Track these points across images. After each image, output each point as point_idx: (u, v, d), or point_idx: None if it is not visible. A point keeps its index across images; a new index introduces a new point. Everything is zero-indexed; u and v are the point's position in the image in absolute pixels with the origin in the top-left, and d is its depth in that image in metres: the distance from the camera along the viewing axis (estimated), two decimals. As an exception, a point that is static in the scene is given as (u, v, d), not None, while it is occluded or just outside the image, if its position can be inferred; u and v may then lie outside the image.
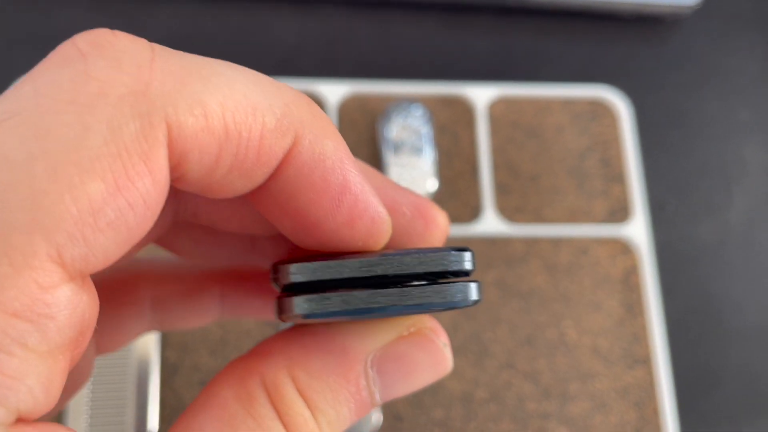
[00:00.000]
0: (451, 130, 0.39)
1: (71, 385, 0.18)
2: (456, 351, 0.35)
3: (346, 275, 0.14)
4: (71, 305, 0.11)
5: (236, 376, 0.14)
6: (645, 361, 0.35)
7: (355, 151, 0.38)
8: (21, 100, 0.11)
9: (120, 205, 0.11)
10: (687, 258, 0.38)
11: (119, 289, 0.19)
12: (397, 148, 0.37)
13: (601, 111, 0.40)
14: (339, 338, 0.15)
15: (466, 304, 0.14)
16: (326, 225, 0.14)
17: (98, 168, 0.10)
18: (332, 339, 0.15)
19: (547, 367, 0.35)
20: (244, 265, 0.21)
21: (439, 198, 0.37)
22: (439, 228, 0.16)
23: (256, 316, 0.21)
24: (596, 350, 0.36)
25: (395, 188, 0.16)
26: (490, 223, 0.37)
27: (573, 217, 0.38)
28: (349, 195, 0.13)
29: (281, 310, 0.14)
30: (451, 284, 0.14)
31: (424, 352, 0.15)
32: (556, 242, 0.37)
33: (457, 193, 0.38)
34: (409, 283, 0.14)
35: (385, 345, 0.15)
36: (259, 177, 0.13)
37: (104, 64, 0.11)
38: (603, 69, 0.42)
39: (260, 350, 0.15)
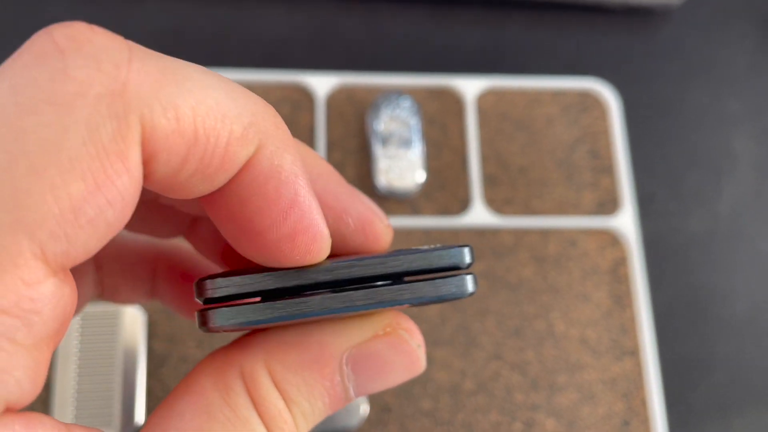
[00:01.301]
0: (440, 121, 0.39)
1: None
2: (444, 342, 0.35)
3: (246, 290, 0.15)
4: (55, 299, 0.11)
5: (216, 366, 0.15)
6: (633, 352, 0.35)
7: (344, 144, 0.38)
8: None
9: (100, 202, 0.11)
10: (675, 249, 0.38)
11: None
12: (386, 139, 0.37)
13: (590, 103, 0.40)
14: (317, 334, 0.15)
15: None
16: (269, 235, 0.14)
17: (78, 168, 0.11)
18: (310, 335, 0.15)
19: (535, 358, 0.35)
20: (179, 250, 0.21)
21: (427, 190, 0.37)
22: (379, 243, 0.17)
23: (177, 309, 0.22)
24: (584, 341, 0.36)
25: (350, 195, 0.17)
26: (479, 214, 0.37)
27: (562, 209, 0.38)
28: (296, 209, 0.14)
29: (201, 322, 0.15)
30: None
31: (397, 352, 0.16)
32: (545, 234, 0.37)
33: (445, 185, 0.38)
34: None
35: (361, 343, 0.15)
36: (219, 181, 0.13)
37: (82, 62, 0.11)
38: (593, 61, 0.42)
39: (241, 342, 0.15)
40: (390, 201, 0.37)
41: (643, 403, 0.35)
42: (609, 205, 0.38)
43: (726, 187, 0.40)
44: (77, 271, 0.19)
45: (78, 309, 0.20)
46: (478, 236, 0.37)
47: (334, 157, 0.38)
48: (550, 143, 0.39)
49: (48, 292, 0.11)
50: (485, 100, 0.40)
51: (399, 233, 0.36)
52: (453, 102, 0.39)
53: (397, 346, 0.16)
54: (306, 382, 0.15)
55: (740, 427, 0.35)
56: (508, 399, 0.34)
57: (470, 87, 0.39)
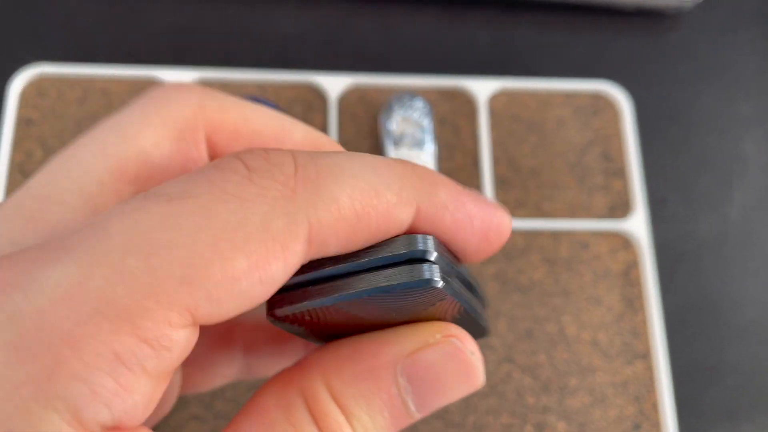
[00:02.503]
0: (452, 123, 0.39)
1: (157, 413, 0.19)
2: (455, 344, 0.35)
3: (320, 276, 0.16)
4: (186, 343, 0.13)
5: (278, 386, 0.15)
6: (644, 356, 0.35)
7: (356, 144, 0.38)
8: (197, 185, 0.13)
9: (254, 279, 0.13)
10: (687, 253, 0.38)
11: (217, 334, 0.21)
12: (398, 140, 0.37)
13: (602, 105, 0.40)
14: (369, 347, 0.16)
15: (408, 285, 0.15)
16: (469, 248, 0.16)
17: (247, 249, 0.13)
18: (363, 348, 0.16)
19: (547, 361, 0.35)
20: None
21: (439, 191, 0.37)
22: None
23: None
24: (596, 345, 0.35)
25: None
26: (491, 216, 0.37)
27: (573, 212, 0.38)
28: (476, 220, 0.16)
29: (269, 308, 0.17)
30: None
31: (451, 361, 0.16)
32: (557, 236, 0.37)
33: (457, 187, 0.38)
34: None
35: (413, 353, 0.16)
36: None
37: (263, 174, 0.14)
38: (604, 63, 0.42)
39: (301, 363, 0.16)
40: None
41: (654, 407, 0.35)
42: (621, 208, 0.38)
43: (737, 190, 0.40)
44: (222, 353, 0.21)
45: (219, 383, 0.22)
46: (490, 238, 0.37)
47: (346, 157, 0.38)
48: (561, 145, 0.39)
49: (184, 337, 0.13)
50: (497, 101, 0.40)
51: (411, 234, 0.36)
52: (465, 103, 0.39)
53: (450, 354, 0.16)
54: (363, 394, 0.15)
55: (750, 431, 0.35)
56: (520, 401, 0.34)
57: (482, 88, 0.39)
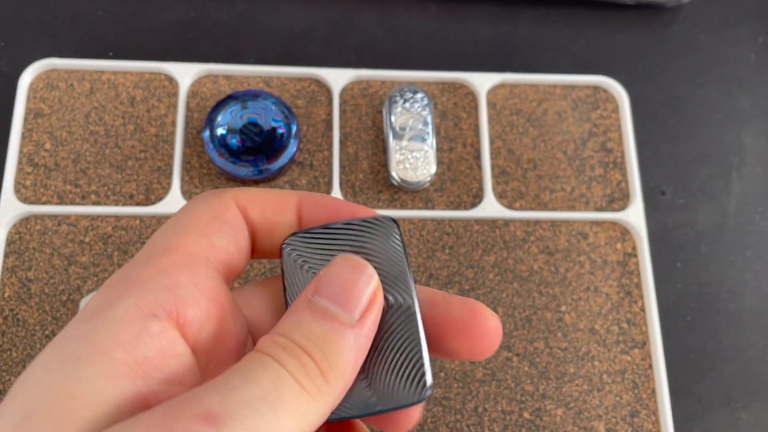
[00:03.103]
0: (453, 116, 0.40)
1: None
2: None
3: None
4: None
5: None
6: (641, 344, 0.36)
7: (358, 136, 0.39)
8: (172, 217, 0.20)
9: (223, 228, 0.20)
10: (685, 243, 0.39)
11: None
12: (399, 133, 0.38)
13: (601, 99, 0.41)
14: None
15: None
16: None
17: (206, 225, 0.20)
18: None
19: (545, 349, 0.36)
20: None
21: (440, 182, 0.38)
22: (487, 321, 0.19)
23: None
24: (594, 333, 0.36)
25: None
26: (491, 207, 0.38)
27: (572, 203, 0.38)
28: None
29: None
30: None
31: (341, 264, 0.18)
32: (556, 226, 0.38)
33: (457, 178, 0.38)
34: None
35: (317, 279, 0.19)
36: (289, 217, 0.21)
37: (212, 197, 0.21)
38: (604, 57, 0.42)
39: None
40: (403, 193, 0.38)
41: (652, 394, 0.35)
42: (620, 199, 0.39)
43: (735, 182, 0.40)
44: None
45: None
46: (490, 228, 0.37)
47: (349, 149, 0.38)
48: (561, 138, 0.40)
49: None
50: (497, 95, 0.40)
51: (411, 224, 0.37)
52: (465, 97, 0.40)
53: (338, 261, 0.18)
54: (289, 315, 0.18)
55: (746, 418, 0.36)
56: (518, 388, 0.35)
57: (483, 82, 0.40)
